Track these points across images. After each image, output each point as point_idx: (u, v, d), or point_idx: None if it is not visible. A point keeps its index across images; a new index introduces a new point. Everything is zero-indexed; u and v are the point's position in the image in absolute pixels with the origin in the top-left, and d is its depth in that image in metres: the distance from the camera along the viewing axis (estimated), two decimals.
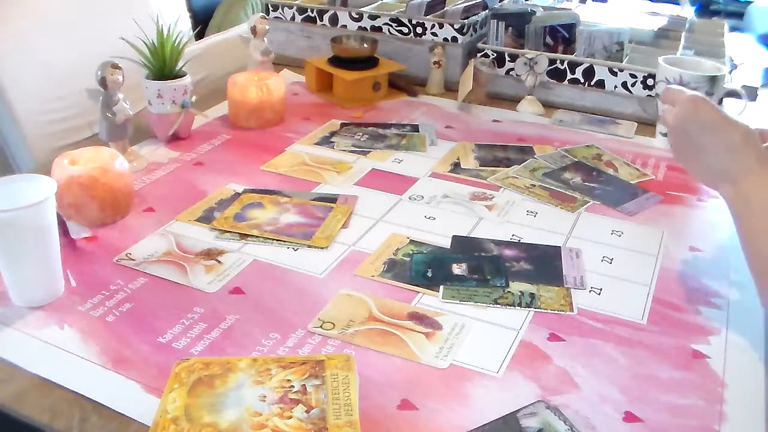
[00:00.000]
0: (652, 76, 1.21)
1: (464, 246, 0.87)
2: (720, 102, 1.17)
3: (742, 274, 0.75)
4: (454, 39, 1.36)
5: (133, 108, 1.02)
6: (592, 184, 1.03)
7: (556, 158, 1.10)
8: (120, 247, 0.84)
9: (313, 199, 0.96)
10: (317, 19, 1.48)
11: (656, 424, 0.61)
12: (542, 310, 0.75)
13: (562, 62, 1.29)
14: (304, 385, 0.62)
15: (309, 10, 1.48)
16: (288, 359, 0.66)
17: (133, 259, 0.82)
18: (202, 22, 2.30)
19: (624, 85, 1.25)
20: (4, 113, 1.29)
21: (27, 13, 1.35)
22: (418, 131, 1.19)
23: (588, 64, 1.27)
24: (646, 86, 1.23)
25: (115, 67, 0.98)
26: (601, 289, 0.79)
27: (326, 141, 1.15)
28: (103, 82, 0.97)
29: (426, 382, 0.65)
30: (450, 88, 1.36)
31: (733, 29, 1.77)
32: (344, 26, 1.45)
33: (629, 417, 0.62)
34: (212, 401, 0.60)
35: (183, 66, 1.11)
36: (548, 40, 1.34)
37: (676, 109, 0.78)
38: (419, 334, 0.71)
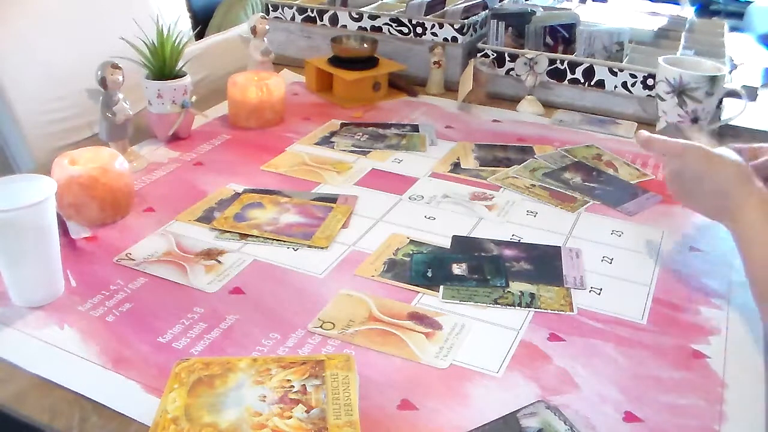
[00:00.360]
0: (652, 76, 1.21)
1: (464, 246, 0.86)
2: (720, 102, 1.17)
3: (742, 274, 0.75)
4: (454, 39, 1.36)
5: (133, 108, 1.02)
6: (592, 184, 1.03)
7: (556, 158, 1.10)
8: (120, 247, 0.84)
9: (313, 199, 0.96)
10: (317, 19, 1.48)
11: (656, 424, 0.61)
12: (542, 310, 0.75)
13: (562, 62, 1.29)
14: (304, 385, 0.62)
15: (309, 10, 1.48)
16: (288, 359, 0.66)
17: (133, 259, 0.82)
18: (202, 22, 2.30)
19: (624, 85, 1.26)
20: (4, 113, 1.29)
21: (27, 13, 1.35)
22: (418, 131, 1.19)
23: (588, 64, 1.27)
24: (646, 86, 1.24)
25: (115, 67, 0.98)
26: (601, 289, 0.79)
27: (326, 141, 1.15)
28: (103, 82, 0.97)
29: (426, 382, 0.65)
30: (450, 88, 1.36)
31: (733, 29, 1.77)
32: (344, 26, 1.45)
33: (629, 417, 0.62)
34: (212, 401, 0.60)
35: (183, 66, 1.11)
36: (548, 40, 1.34)
37: (667, 161, 0.82)
38: (419, 334, 0.71)
